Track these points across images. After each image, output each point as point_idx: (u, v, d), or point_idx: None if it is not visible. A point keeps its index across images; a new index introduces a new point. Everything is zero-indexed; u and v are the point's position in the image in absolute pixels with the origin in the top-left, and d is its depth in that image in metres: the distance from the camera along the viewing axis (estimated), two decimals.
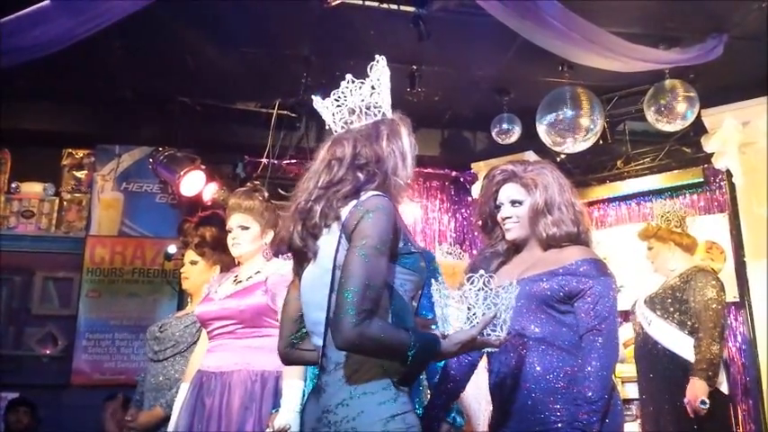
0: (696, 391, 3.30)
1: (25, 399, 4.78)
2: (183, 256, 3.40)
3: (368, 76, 1.71)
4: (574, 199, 2.08)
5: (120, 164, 5.43)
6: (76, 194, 5.52)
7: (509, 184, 2.10)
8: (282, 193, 4.81)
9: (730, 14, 3.95)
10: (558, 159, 5.09)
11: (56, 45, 3.23)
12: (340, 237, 1.56)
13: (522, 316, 1.93)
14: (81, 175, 5.57)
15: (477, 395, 3.09)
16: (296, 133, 5.35)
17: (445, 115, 5.39)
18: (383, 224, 1.52)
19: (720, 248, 4.91)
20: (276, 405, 2.44)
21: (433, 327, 1.69)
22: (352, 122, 1.71)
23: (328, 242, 1.58)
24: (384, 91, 1.71)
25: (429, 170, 5.83)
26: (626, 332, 4.08)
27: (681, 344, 3.49)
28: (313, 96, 1.81)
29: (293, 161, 5.30)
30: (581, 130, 4.59)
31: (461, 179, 5.95)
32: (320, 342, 1.60)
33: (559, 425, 1.84)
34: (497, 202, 2.12)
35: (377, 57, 1.72)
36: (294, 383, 2.38)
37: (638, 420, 3.90)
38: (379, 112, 1.71)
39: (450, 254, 4.05)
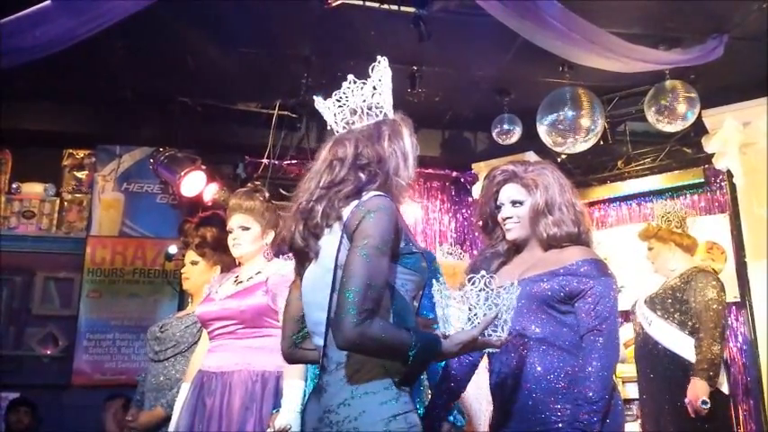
0: (697, 391, 3.30)
1: (26, 399, 4.78)
2: (183, 256, 3.41)
3: (368, 77, 1.71)
4: (574, 199, 2.08)
5: (121, 164, 5.43)
6: (77, 195, 5.52)
7: (510, 184, 2.10)
8: (284, 193, 4.82)
9: (730, 15, 3.95)
10: (559, 160, 5.09)
11: (57, 45, 3.23)
12: (341, 237, 1.56)
13: (523, 316, 1.93)
14: (82, 175, 5.58)
15: (478, 395, 3.08)
16: (296, 134, 5.36)
17: (446, 116, 5.39)
18: (385, 224, 1.52)
19: (721, 249, 4.92)
20: (277, 405, 2.44)
21: (434, 327, 1.69)
22: (353, 123, 1.71)
23: (330, 242, 1.59)
24: (386, 91, 1.72)
25: (429, 170, 5.83)
26: (626, 332, 4.08)
27: (681, 344, 3.49)
28: (315, 97, 1.81)
29: (294, 161, 5.30)
30: (582, 130, 4.59)
31: (462, 180, 5.96)
32: (321, 342, 1.60)
33: (560, 425, 1.84)
34: (498, 203, 2.13)
35: (379, 57, 1.72)
36: (295, 383, 2.38)
37: (639, 420, 3.90)
38: (381, 112, 1.71)
39: (451, 254, 4.05)
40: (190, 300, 3.52)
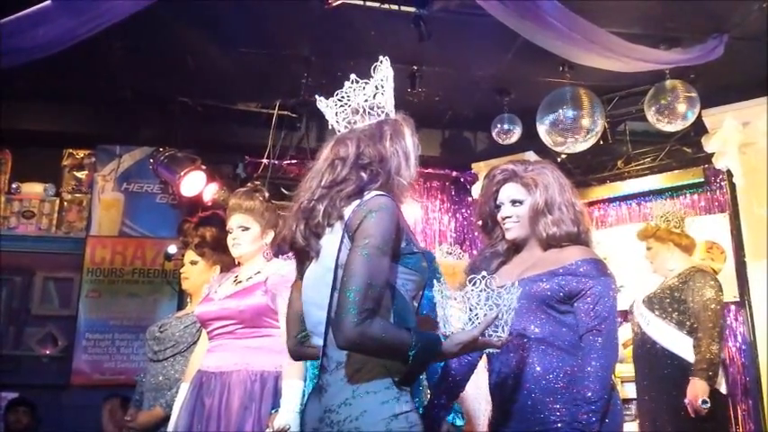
0: (697, 391, 3.31)
1: (25, 399, 4.78)
2: (183, 256, 3.41)
3: (369, 77, 1.71)
4: (574, 199, 2.09)
5: (121, 164, 5.42)
6: (77, 195, 5.52)
7: (509, 183, 2.10)
8: (284, 192, 4.82)
9: (730, 15, 3.95)
10: (559, 159, 5.09)
11: (57, 45, 3.23)
12: (343, 236, 1.56)
13: (522, 316, 1.93)
14: (81, 175, 5.57)
15: (477, 395, 3.08)
16: (296, 133, 5.36)
17: (446, 115, 5.39)
18: (386, 224, 1.52)
19: (721, 248, 4.91)
20: (276, 405, 2.44)
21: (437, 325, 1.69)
22: (355, 122, 1.71)
23: (331, 241, 1.59)
24: (388, 91, 1.72)
25: (429, 170, 5.82)
26: (625, 332, 4.08)
27: (679, 344, 3.49)
28: (316, 96, 1.81)
29: (294, 161, 5.30)
30: (581, 130, 4.59)
31: (462, 179, 5.95)
32: (321, 342, 1.60)
33: (559, 425, 1.84)
34: (498, 202, 2.13)
35: (381, 57, 1.72)
36: (294, 383, 2.38)
37: (637, 420, 3.90)
38: (383, 112, 1.71)
39: (451, 254, 4.04)
40: (189, 300, 3.52)
